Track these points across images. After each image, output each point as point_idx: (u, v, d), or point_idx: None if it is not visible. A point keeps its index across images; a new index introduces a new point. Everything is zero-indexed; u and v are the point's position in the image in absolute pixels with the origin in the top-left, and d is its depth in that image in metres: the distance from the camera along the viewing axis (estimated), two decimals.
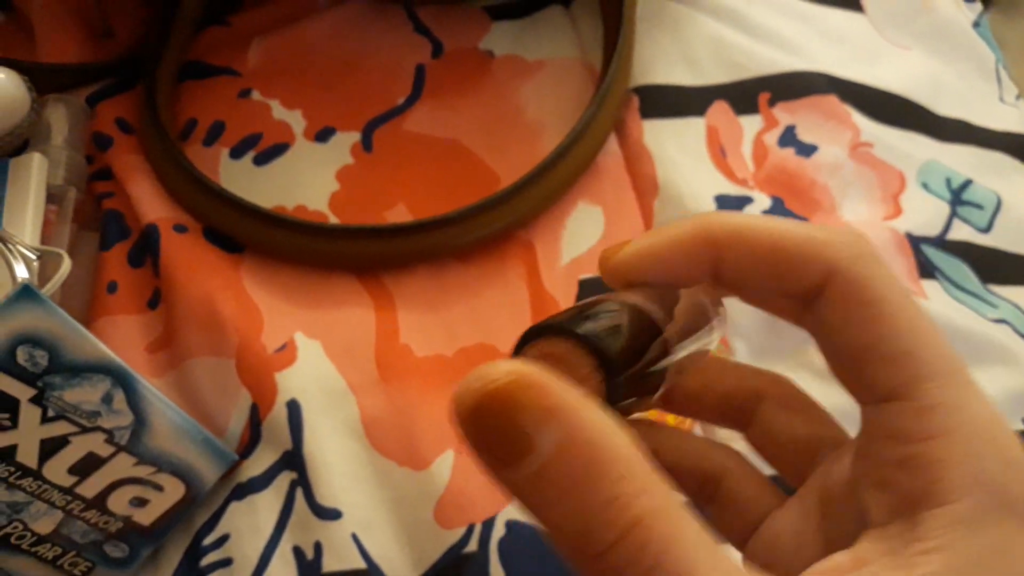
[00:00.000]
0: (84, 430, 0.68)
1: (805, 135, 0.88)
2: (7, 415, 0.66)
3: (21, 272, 0.73)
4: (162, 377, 0.76)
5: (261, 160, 0.87)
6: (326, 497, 0.69)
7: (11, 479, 0.67)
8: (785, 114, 0.90)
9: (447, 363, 0.77)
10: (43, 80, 0.87)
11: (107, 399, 0.68)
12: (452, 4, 0.99)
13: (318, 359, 0.75)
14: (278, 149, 0.87)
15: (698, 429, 0.74)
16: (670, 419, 0.71)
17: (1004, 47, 1.12)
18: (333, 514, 0.68)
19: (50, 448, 0.67)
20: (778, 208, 0.82)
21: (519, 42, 0.96)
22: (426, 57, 0.95)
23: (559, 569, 0.68)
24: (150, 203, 0.82)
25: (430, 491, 0.70)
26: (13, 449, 0.67)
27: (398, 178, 0.86)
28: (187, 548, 0.71)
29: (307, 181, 0.85)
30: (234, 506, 0.71)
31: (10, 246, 0.74)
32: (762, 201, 0.82)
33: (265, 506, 0.70)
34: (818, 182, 0.86)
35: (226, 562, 0.69)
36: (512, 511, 0.69)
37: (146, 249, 0.81)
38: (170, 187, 0.83)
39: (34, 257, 0.74)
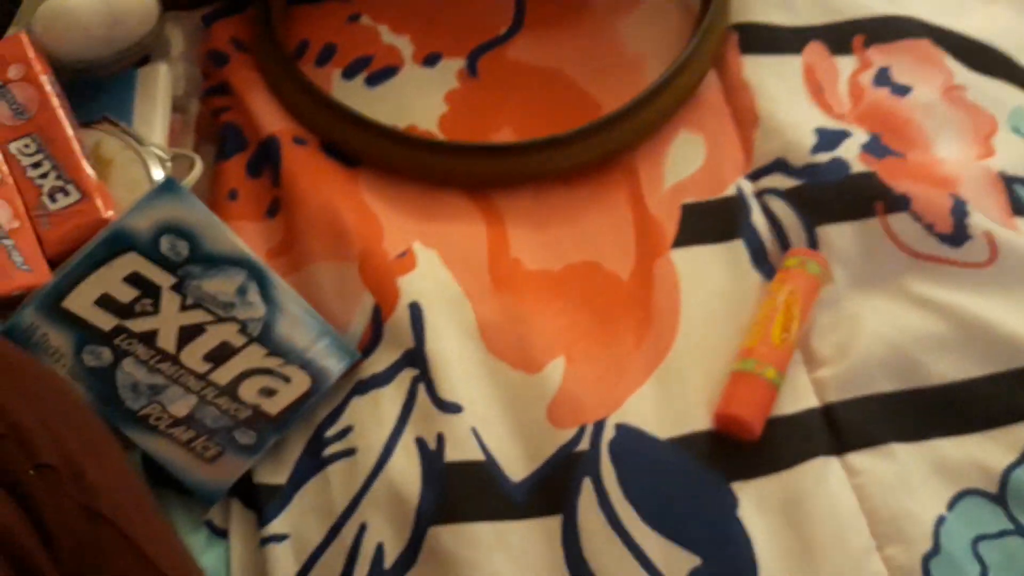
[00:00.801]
0: (219, 320, 0.71)
1: (900, 76, 0.91)
2: (150, 301, 0.70)
3: (157, 173, 0.76)
4: (284, 280, 0.79)
5: (372, 81, 0.90)
6: (447, 392, 0.72)
7: (151, 362, 0.70)
8: (879, 56, 0.92)
9: (555, 277, 0.80)
10: None
11: (242, 291, 0.72)
12: None
13: (436, 267, 0.78)
14: (388, 71, 0.90)
15: (798, 352, 0.77)
16: (775, 336, 0.74)
17: None
18: (455, 408, 0.71)
19: (188, 335, 0.71)
20: (875, 143, 0.84)
21: None
22: None
23: (667, 470, 0.71)
24: (269, 117, 0.85)
25: (543, 393, 0.73)
26: (154, 334, 0.70)
27: (503, 103, 0.89)
28: (309, 439, 0.74)
29: (417, 102, 0.89)
30: (356, 401, 0.74)
31: (145, 148, 0.77)
32: (860, 136, 0.85)
33: (388, 400, 0.73)
34: (913, 121, 0.88)
35: (349, 452, 0.72)
36: (622, 414, 0.72)
37: (264, 160, 0.84)
38: (288, 102, 0.86)
39: (167, 158, 0.78)
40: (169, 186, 0.70)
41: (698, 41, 0.88)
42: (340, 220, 0.79)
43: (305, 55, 0.92)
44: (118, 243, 0.68)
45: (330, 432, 0.74)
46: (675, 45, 0.92)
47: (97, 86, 0.82)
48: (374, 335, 0.76)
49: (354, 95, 0.89)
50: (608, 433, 0.72)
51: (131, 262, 0.69)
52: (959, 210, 0.79)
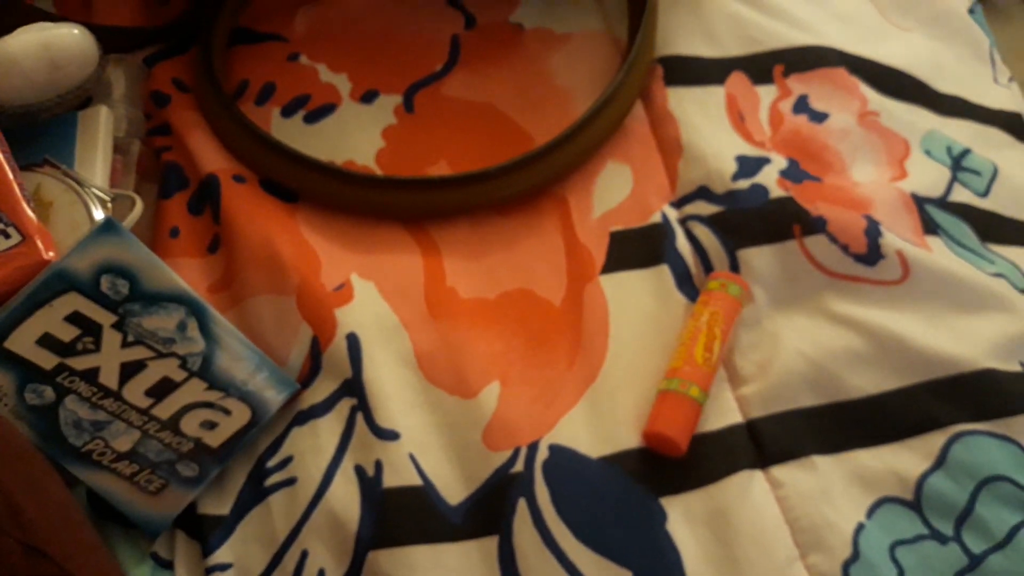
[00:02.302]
0: (160, 355, 0.73)
1: (817, 103, 0.95)
2: (91, 339, 0.71)
3: (98, 214, 0.78)
4: (224, 315, 0.81)
5: (311, 119, 0.92)
6: (385, 420, 0.74)
7: (94, 399, 0.72)
8: (798, 84, 0.96)
9: (490, 305, 0.83)
10: (101, 41, 0.92)
11: (181, 327, 0.74)
12: None
13: (373, 298, 0.80)
14: (326, 109, 0.93)
15: (722, 370, 0.80)
16: (698, 356, 0.77)
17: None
18: (392, 435, 0.74)
19: (129, 371, 0.73)
20: (793, 169, 0.88)
21: (548, 16, 1.02)
22: (459, 28, 1.01)
23: (598, 488, 0.74)
24: (209, 155, 0.87)
25: (478, 417, 0.75)
26: (96, 371, 0.72)
27: (439, 137, 0.92)
28: (251, 470, 0.76)
29: (354, 139, 0.91)
30: (296, 431, 0.76)
31: (86, 189, 0.79)
32: (779, 162, 0.89)
33: (327, 429, 0.75)
34: (829, 146, 0.92)
35: (290, 481, 0.74)
36: (555, 435, 0.75)
37: (205, 197, 0.86)
38: (227, 141, 0.88)
39: (108, 199, 0.79)
40: (108, 226, 0.72)
41: (624, 74, 0.91)
42: (278, 254, 0.81)
43: (245, 94, 0.94)
44: (59, 284, 0.70)
45: (271, 462, 0.76)
46: (603, 79, 0.96)
47: (38, 129, 0.83)
48: (313, 366, 0.78)
49: (293, 132, 0.91)
50: (542, 454, 0.74)
51: (72, 301, 0.70)
52: (873, 231, 0.83)
